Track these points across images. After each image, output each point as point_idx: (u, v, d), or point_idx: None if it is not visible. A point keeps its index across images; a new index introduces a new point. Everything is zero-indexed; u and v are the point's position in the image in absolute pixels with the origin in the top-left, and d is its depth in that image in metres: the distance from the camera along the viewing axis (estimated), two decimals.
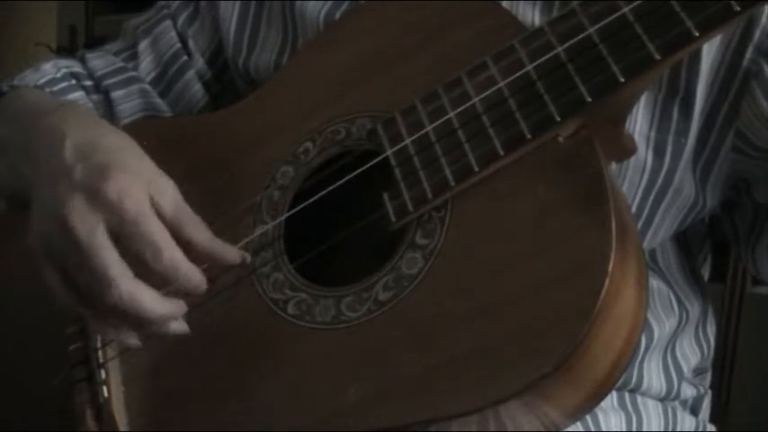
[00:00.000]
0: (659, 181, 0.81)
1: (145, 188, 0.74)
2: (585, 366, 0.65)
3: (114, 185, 0.73)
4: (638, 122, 0.80)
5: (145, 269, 0.73)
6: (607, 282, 0.64)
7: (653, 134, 0.80)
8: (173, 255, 0.73)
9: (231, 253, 0.78)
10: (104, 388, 0.82)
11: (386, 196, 0.74)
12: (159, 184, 0.76)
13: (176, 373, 0.81)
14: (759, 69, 0.78)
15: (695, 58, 0.78)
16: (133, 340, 0.76)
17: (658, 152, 0.80)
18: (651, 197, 0.82)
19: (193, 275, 0.74)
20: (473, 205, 0.71)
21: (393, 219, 0.73)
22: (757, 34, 0.77)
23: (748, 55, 0.78)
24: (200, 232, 0.76)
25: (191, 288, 0.75)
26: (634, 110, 0.78)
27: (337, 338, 0.73)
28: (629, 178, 0.81)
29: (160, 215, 0.75)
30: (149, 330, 0.75)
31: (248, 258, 0.78)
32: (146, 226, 0.73)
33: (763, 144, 0.80)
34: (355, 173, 0.76)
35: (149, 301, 0.73)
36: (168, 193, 0.76)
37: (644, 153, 0.80)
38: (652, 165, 0.81)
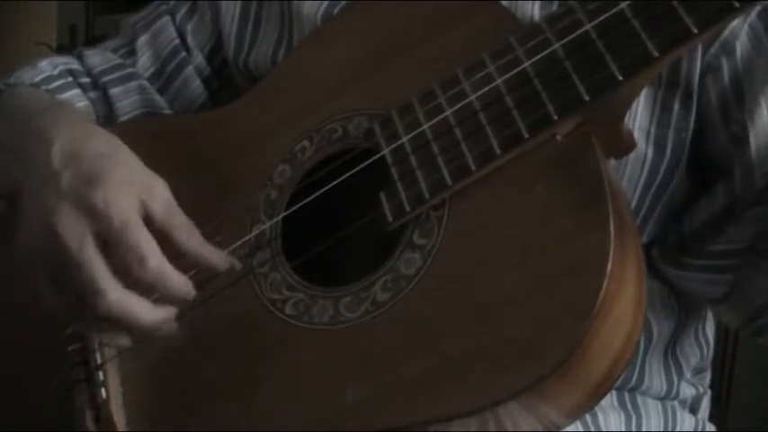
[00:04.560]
0: (660, 176, 0.81)
1: (134, 194, 0.74)
2: (584, 367, 0.65)
3: (101, 193, 0.73)
4: (639, 117, 0.79)
5: (133, 279, 0.73)
6: (606, 282, 0.63)
7: (653, 129, 0.80)
8: (158, 264, 0.73)
9: (220, 259, 0.77)
10: (103, 389, 0.81)
11: (383, 196, 0.74)
12: (150, 188, 0.75)
13: (175, 374, 0.81)
14: (718, 66, 0.78)
15: (694, 50, 0.78)
16: (125, 341, 0.77)
17: (659, 147, 0.80)
18: (651, 192, 0.82)
19: (180, 284, 0.74)
20: (471, 204, 0.70)
21: (390, 219, 0.73)
22: (726, 32, 0.77)
23: (712, 50, 0.78)
24: (189, 237, 0.76)
25: (177, 296, 0.74)
26: (634, 104, 0.78)
27: (336, 339, 0.73)
28: (629, 173, 0.80)
29: (151, 218, 0.74)
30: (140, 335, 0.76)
31: (237, 265, 0.78)
32: (131, 234, 0.73)
33: (704, 143, 0.80)
34: (351, 172, 0.76)
35: (139, 310, 0.73)
36: (159, 195, 0.76)
37: (644, 148, 0.80)
38: (652, 159, 0.80)
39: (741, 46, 0.77)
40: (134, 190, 0.74)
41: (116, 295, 0.73)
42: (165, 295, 0.74)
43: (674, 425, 0.92)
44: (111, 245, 0.73)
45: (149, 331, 0.75)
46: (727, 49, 0.77)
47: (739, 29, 0.77)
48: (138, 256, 0.72)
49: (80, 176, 0.74)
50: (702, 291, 0.85)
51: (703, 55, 0.78)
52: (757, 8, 0.76)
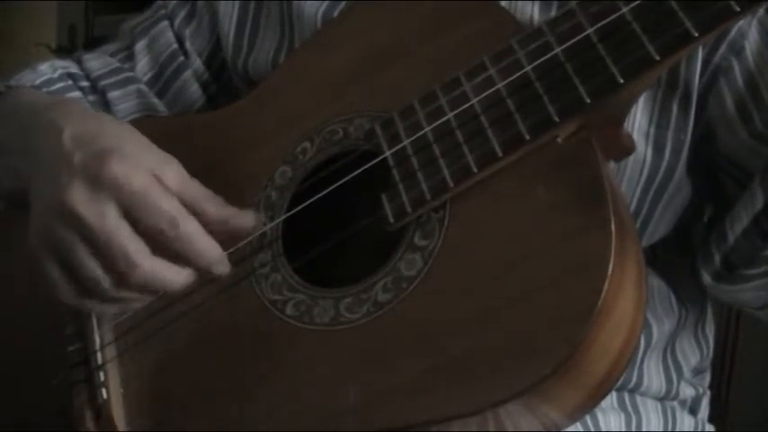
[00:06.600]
0: (659, 177, 0.81)
1: (148, 167, 0.74)
2: (585, 368, 0.65)
3: (116, 167, 0.73)
4: (638, 119, 0.79)
5: (159, 244, 0.73)
6: (606, 283, 0.64)
7: (652, 130, 0.80)
8: (189, 224, 0.74)
9: (246, 218, 0.78)
10: (103, 389, 0.82)
11: (384, 197, 0.74)
12: (163, 163, 0.76)
13: (175, 375, 0.81)
14: (729, 66, 0.78)
15: (693, 54, 0.78)
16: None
17: (658, 148, 0.80)
18: (651, 193, 0.82)
19: (212, 246, 0.75)
20: (472, 206, 0.71)
21: (391, 220, 0.73)
22: (733, 32, 0.77)
23: (721, 51, 0.78)
24: (211, 203, 0.76)
25: (212, 259, 0.75)
26: (633, 107, 0.78)
27: (336, 340, 0.73)
28: (629, 175, 0.81)
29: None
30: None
31: (262, 221, 0.78)
32: (156, 198, 0.73)
33: (723, 146, 0.80)
34: (354, 174, 0.76)
35: (171, 275, 0.74)
36: (172, 169, 0.76)
37: (643, 149, 0.80)
38: (652, 161, 0.81)
39: (751, 44, 0.77)
40: (147, 165, 0.74)
41: (149, 262, 0.73)
42: (198, 257, 0.75)
43: (674, 425, 0.93)
44: (136, 213, 0.73)
45: (176, 293, 0.76)
46: (736, 50, 0.78)
47: (747, 28, 0.77)
48: (167, 218, 0.73)
49: (92, 155, 0.74)
50: (758, 297, 0.83)
51: (710, 58, 0.78)
52: (765, 6, 0.76)
